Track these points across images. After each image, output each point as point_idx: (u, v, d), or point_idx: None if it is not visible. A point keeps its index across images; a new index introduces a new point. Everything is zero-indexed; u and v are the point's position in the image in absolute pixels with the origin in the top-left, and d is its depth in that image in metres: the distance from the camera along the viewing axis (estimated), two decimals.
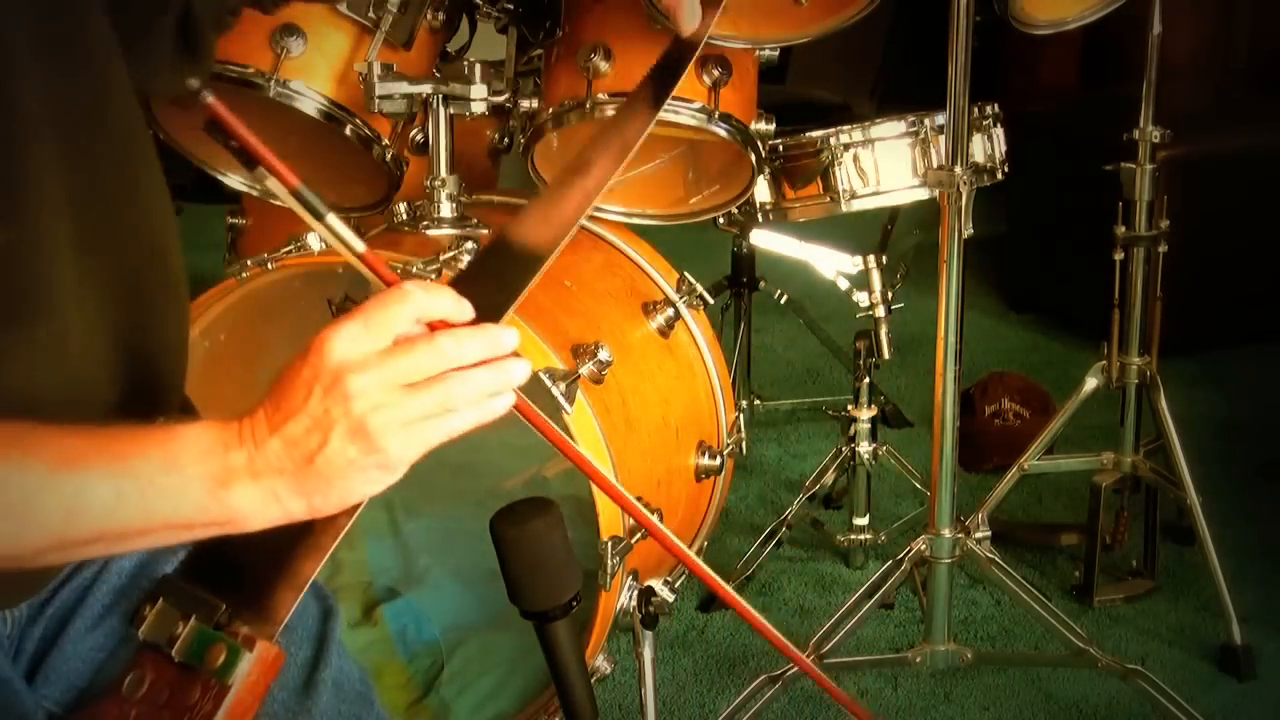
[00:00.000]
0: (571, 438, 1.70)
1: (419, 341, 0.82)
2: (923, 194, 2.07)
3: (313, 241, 1.85)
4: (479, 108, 1.92)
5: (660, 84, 1.17)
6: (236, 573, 0.87)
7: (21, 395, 0.89)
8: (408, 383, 0.81)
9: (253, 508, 0.82)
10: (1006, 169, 2.14)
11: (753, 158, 1.98)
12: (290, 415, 0.82)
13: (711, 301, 2.12)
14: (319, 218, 0.85)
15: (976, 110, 2.07)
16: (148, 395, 1.00)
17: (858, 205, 2.10)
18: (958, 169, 1.84)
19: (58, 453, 0.81)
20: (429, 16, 1.93)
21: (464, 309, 0.84)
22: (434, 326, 0.84)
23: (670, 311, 2.01)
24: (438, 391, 0.82)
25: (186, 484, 0.81)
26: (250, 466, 0.82)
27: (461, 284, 0.88)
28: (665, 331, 2.00)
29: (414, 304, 0.82)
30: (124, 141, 0.98)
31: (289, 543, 0.86)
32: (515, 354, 0.85)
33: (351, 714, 1.01)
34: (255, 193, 2.11)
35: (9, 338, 0.88)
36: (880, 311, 2.34)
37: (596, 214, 2.11)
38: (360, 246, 0.86)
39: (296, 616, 0.88)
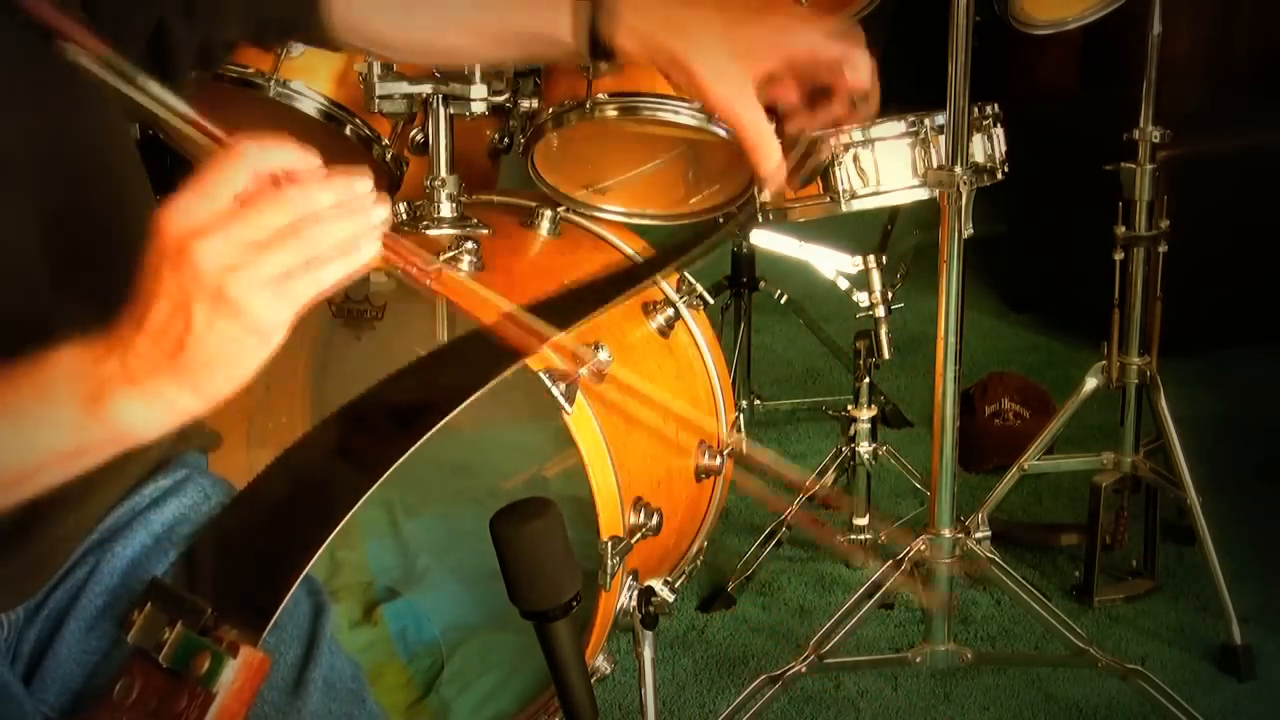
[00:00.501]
0: (572, 438, 1.70)
1: (263, 195, 0.77)
2: (923, 194, 2.06)
3: None
4: (479, 108, 1.92)
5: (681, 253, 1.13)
6: (224, 573, 0.86)
7: None
8: (258, 240, 0.76)
9: (139, 415, 0.79)
10: (1006, 169, 2.14)
11: None
12: (149, 306, 0.77)
13: (711, 301, 2.12)
14: (131, 82, 0.81)
15: (976, 110, 2.07)
16: None
17: (858, 205, 2.09)
18: (958, 169, 1.84)
19: None
20: None
21: (308, 159, 0.79)
22: (279, 181, 0.78)
23: (670, 311, 2.01)
24: (293, 244, 0.76)
25: (61, 410, 0.78)
26: (125, 373, 0.78)
27: (430, 362, 0.87)
28: (665, 331, 2.00)
29: (249, 159, 0.77)
30: (101, 152, 0.98)
31: (277, 541, 0.85)
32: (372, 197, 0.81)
33: (343, 713, 1.00)
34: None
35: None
36: (880, 311, 2.34)
37: (597, 214, 2.11)
38: (182, 107, 0.81)
39: (287, 614, 0.87)
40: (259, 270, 0.76)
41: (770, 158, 1.06)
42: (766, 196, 1.08)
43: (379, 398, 0.96)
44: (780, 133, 1.08)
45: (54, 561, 0.98)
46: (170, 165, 2.11)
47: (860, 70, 1.09)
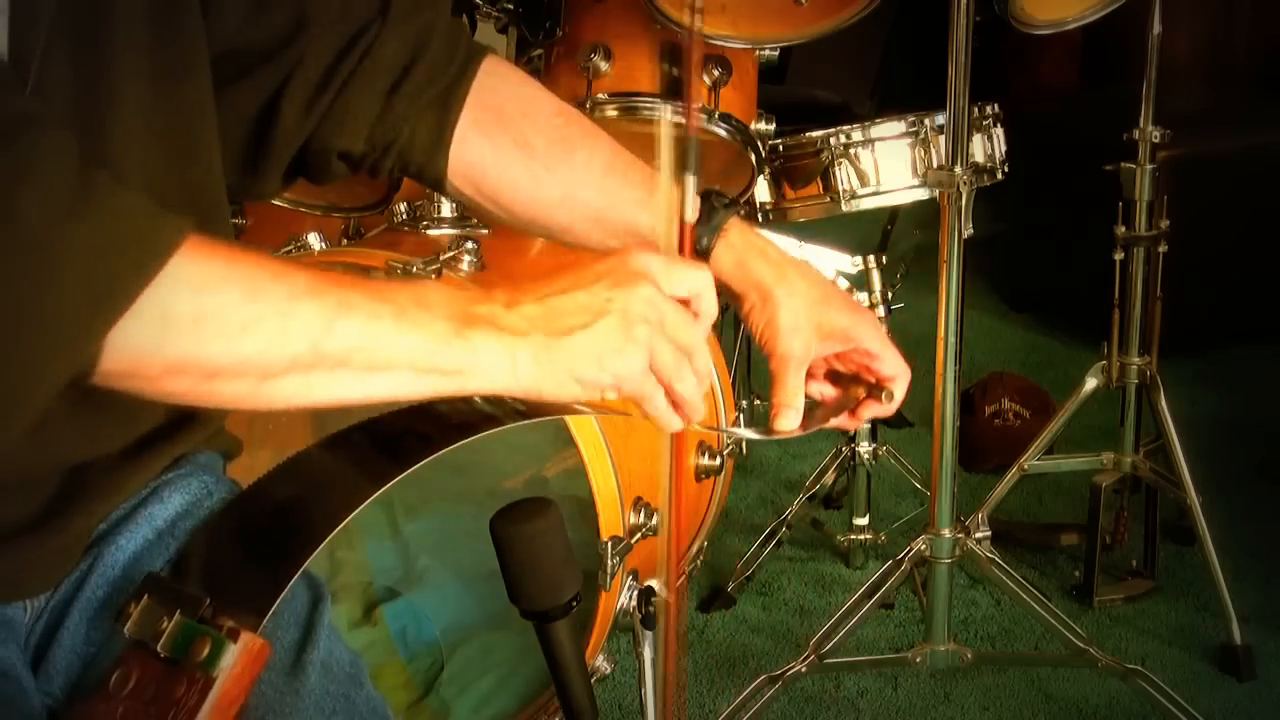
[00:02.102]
0: (571, 437, 1.70)
1: (693, 319, 0.90)
2: (923, 194, 2.07)
3: (313, 241, 1.86)
4: None
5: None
6: (221, 570, 0.87)
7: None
8: (670, 332, 0.88)
9: (488, 359, 0.85)
10: (1006, 169, 2.14)
11: (753, 158, 1.98)
12: (564, 291, 0.87)
13: None
14: None
15: (976, 110, 2.07)
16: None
17: (858, 205, 2.10)
18: (958, 169, 1.84)
19: (318, 276, 0.82)
20: None
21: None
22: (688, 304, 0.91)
23: None
24: (679, 360, 0.89)
25: (434, 318, 0.84)
26: (493, 319, 0.85)
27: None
28: None
29: (706, 285, 0.91)
30: (204, 191, 0.99)
31: (277, 537, 0.86)
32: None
33: (340, 694, 1.00)
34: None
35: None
36: (880, 311, 2.35)
37: None
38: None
39: (284, 602, 0.88)
40: (658, 343, 0.88)
41: (787, 422, 1.13)
42: (780, 425, 1.14)
43: (394, 418, 0.99)
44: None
45: (78, 550, 0.98)
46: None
47: (899, 386, 1.17)
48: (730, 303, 1.18)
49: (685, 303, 0.90)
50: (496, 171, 1.14)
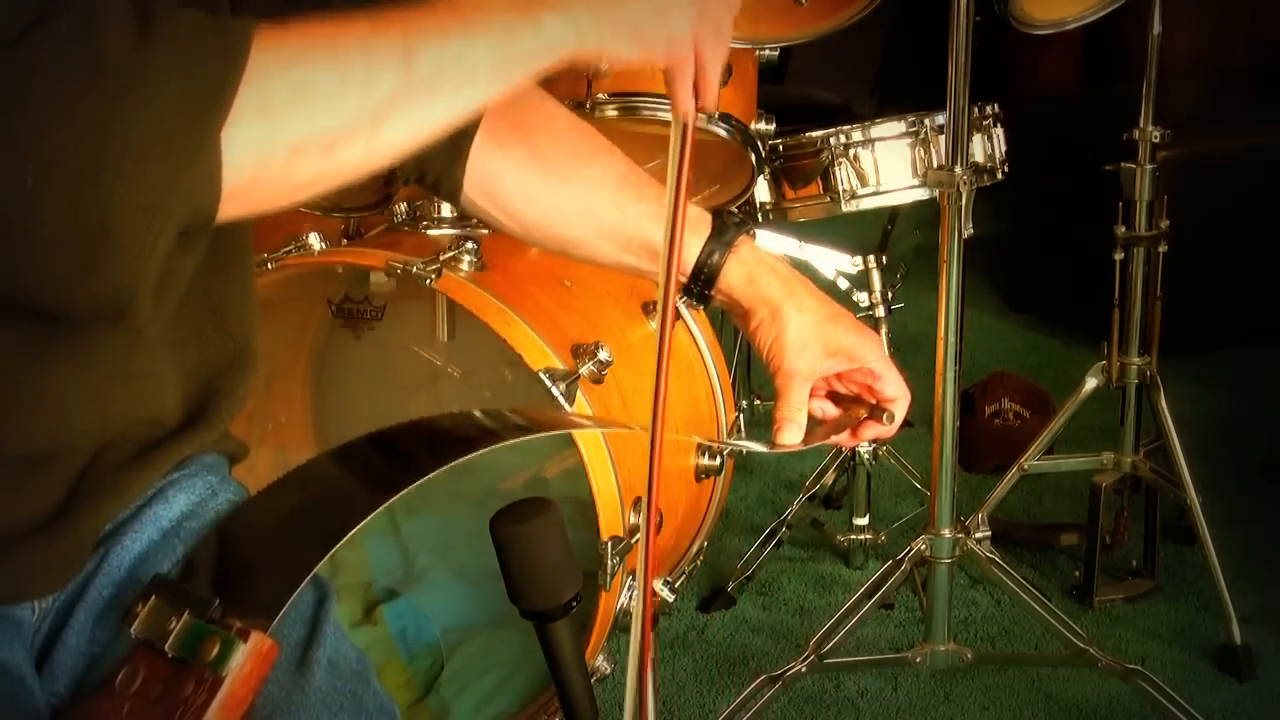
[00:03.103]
0: (571, 437, 1.70)
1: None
2: (923, 194, 2.07)
3: (313, 241, 1.86)
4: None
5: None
6: (231, 573, 0.87)
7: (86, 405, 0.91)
8: (716, 9, 0.92)
9: (556, 33, 0.85)
10: (1006, 169, 2.14)
11: (753, 158, 1.98)
12: None
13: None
14: None
15: (976, 110, 2.07)
16: (213, 407, 1.03)
17: (858, 205, 2.10)
18: (958, 169, 1.84)
19: (375, 15, 0.83)
20: None
21: None
22: None
23: None
24: (717, 40, 0.92)
25: (495, 14, 0.85)
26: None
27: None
28: None
29: None
30: None
31: (287, 543, 0.86)
32: None
33: (347, 690, 1.00)
34: None
35: (83, 344, 0.90)
36: (880, 311, 2.35)
37: None
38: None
39: (290, 603, 0.88)
40: (709, 18, 0.91)
41: (789, 437, 1.15)
42: (783, 439, 1.16)
43: (399, 432, 0.99)
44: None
45: (85, 551, 0.98)
46: None
47: (899, 407, 1.18)
48: (735, 321, 1.19)
49: None
50: (512, 183, 1.14)
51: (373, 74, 0.81)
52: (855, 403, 1.19)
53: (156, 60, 0.74)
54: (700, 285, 1.17)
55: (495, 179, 1.14)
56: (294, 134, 0.80)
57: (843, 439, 1.19)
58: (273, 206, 0.83)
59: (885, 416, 1.17)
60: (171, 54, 0.75)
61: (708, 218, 1.17)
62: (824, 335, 1.14)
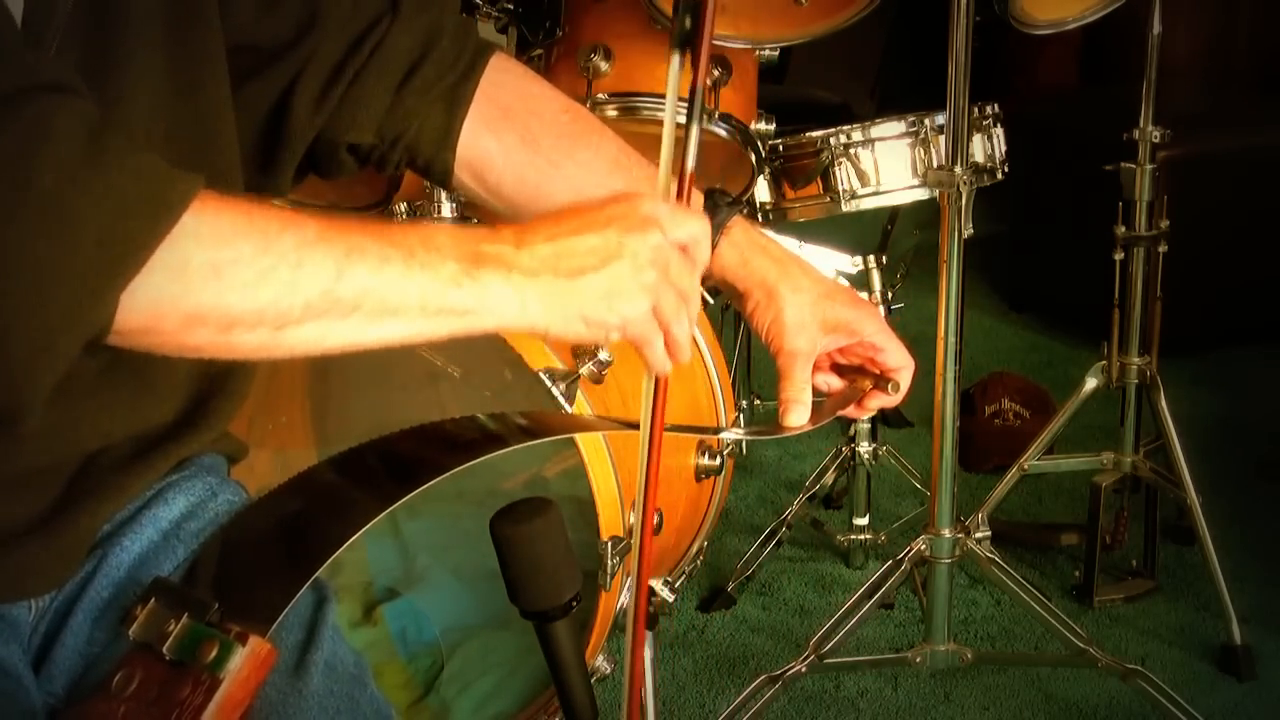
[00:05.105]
0: (572, 438, 1.70)
1: (693, 265, 0.90)
2: (923, 194, 2.07)
3: None
4: None
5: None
6: (230, 578, 0.86)
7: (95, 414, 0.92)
8: (674, 278, 0.88)
9: (498, 299, 0.85)
10: (1006, 169, 2.14)
11: (753, 158, 1.98)
12: (575, 233, 0.87)
13: (712, 301, 2.12)
14: None
15: (976, 110, 2.07)
16: (213, 407, 1.03)
17: (858, 205, 2.09)
18: (958, 169, 1.84)
19: (328, 223, 0.83)
20: None
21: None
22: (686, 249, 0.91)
23: None
24: (679, 306, 0.89)
25: (443, 260, 0.84)
26: (501, 259, 0.86)
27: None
28: None
29: (704, 233, 0.90)
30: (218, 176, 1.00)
31: (287, 549, 0.86)
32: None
33: (344, 693, 1.00)
34: None
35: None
36: (880, 312, 2.35)
37: None
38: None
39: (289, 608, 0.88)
40: (665, 289, 0.88)
41: (796, 418, 1.13)
42: (790, 421, 1.15)
43: (403, 438, 0.99)
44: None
45: (82, 551, 0.98)
46: None
47: (904, 376, 1.17)
48: (732, 302, 1.17)
49: (684, 248, 0.90)
50: (502, 166, 1.14)
51: (298, 279, 0.81)
52: (859, 373, 1.18)
53: (90, 199, 0.74)
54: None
55: (485, 162, 1.13)
56: (195, 305, 0.79)
57: (850, 410, 1.18)
58: (163, 354, 0.82)
59: (890, 386, 1.16)
60: (106, 197, 0.74)
61: (699, 199, 1.16)
62: (821, 312, 1.13)
